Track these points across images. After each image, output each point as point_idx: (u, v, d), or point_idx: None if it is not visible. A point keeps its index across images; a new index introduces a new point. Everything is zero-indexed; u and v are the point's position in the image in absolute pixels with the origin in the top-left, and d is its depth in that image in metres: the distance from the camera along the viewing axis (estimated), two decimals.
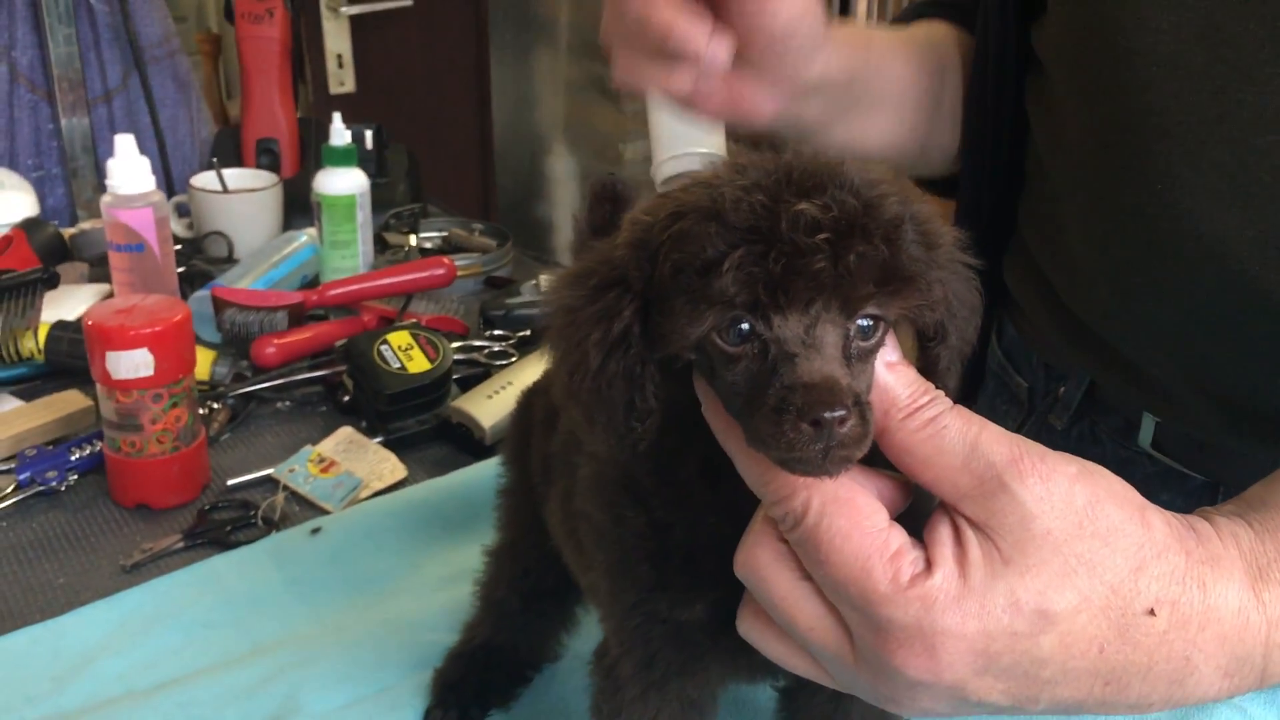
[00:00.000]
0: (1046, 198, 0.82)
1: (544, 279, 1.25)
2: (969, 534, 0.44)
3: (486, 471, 0.95)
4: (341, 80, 2.63)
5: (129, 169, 1.11)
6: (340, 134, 1.29)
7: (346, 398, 1.07)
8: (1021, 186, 0.86)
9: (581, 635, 0.73)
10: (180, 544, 0.89)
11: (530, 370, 1.05)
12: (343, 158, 1.28)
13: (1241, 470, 0.78)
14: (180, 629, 0.79)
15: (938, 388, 0.46)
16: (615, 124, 3.03)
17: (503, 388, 1.03)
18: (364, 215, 1.30)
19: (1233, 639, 0.45)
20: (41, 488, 0.94)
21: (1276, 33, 0.62)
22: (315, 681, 0.73)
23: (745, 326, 0.43)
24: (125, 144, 1.11)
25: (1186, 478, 0.77)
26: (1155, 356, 0.73)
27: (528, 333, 1.19)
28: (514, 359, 1.14)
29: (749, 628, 0.49)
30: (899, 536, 0.44)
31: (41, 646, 0.77)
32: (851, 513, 0.44)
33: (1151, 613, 0.44)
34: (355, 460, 0.98)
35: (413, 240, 1.37)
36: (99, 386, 0.91)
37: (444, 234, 1.44)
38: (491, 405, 1.01)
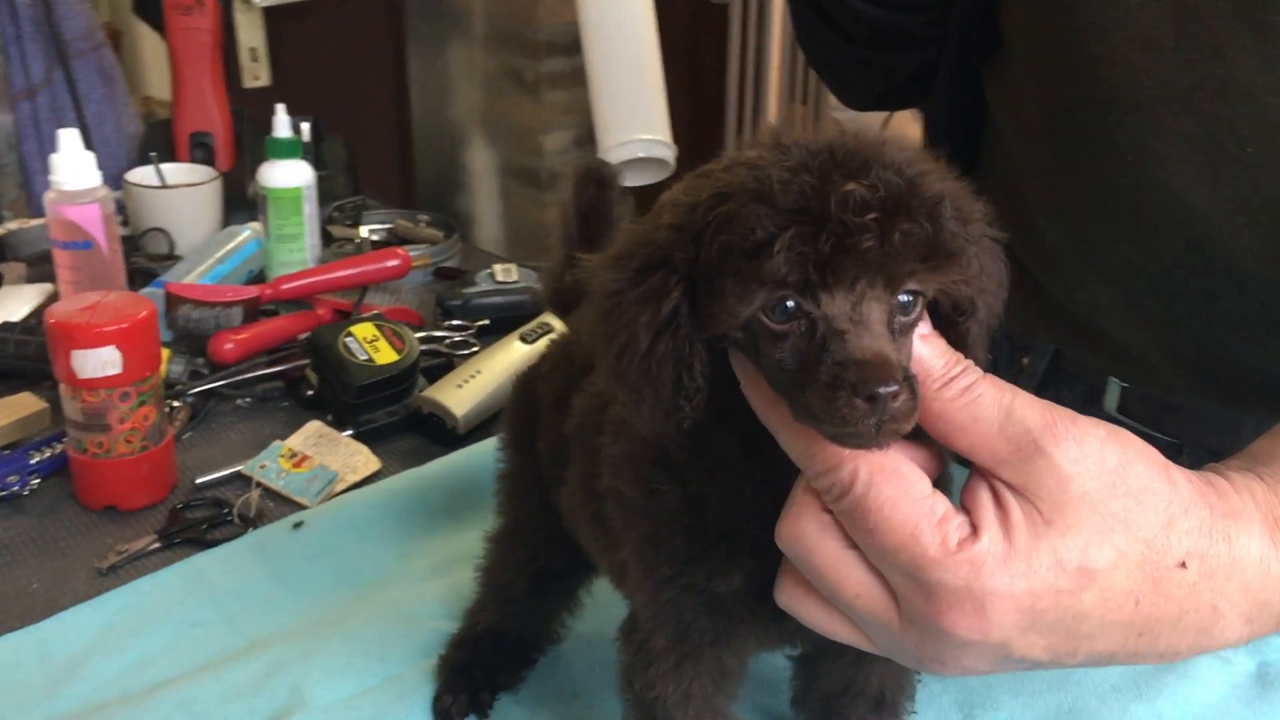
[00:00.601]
0: (1008, 174, 0.84)
1: (499, 269, 1.25)
2: (1009, 498, 0.46)
3: (465, 460, 0.95)
4: (256, 74, 2.58)
5: (74, 164, 1.08)
6: (284, 125, 1.27)
7: (310, 392, 1.06)
8: (976, 166, 0.89)
9: (584, 617, 0.74)
10: (156, 544, 0.87)
11: (498, 357, 1.05)
12: (287, 150, 1.27)
13: (1205, 430, 0.82)
14: (170, 629, 0.78)
15: (968, 359, 0.48)
16: (534, 115, 3.03)
17: (472, 376, 1.03)
18: (311, 208, 1.28)
19: (1255, 587, 0.47)
20: (3, 493, 0.92)
21: (1243, 6, 0.65)
22: (319, 674, 0.72)
23: (791, 304, 0.44)
24: (69, 138, 1.09)
25: (1151, 439, 0.80)
26: (1124, 324, 0.77)
27: (486, 322, 1.19)
28: (476, 348, 1.14)
29: (789, 597, 0.50)
30: (943, 503, 0.46)
31: (27, 653, 0.76)
32: (898, 481, 0.46)
33: (1183, 565, 0.46)
34: (327, 454, 0.97)
35: (364, 231, 1.36)
36: (62, 387, 0.89)
37: (389, 226, 1.43)
38: (462, 394, 1.01)
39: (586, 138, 3.13)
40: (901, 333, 0.45)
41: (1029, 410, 0.46)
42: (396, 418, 1.03)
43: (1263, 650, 0.74)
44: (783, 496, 0.49)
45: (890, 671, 0.61)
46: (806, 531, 0.48)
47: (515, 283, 1.23)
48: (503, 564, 0.72)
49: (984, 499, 0.46)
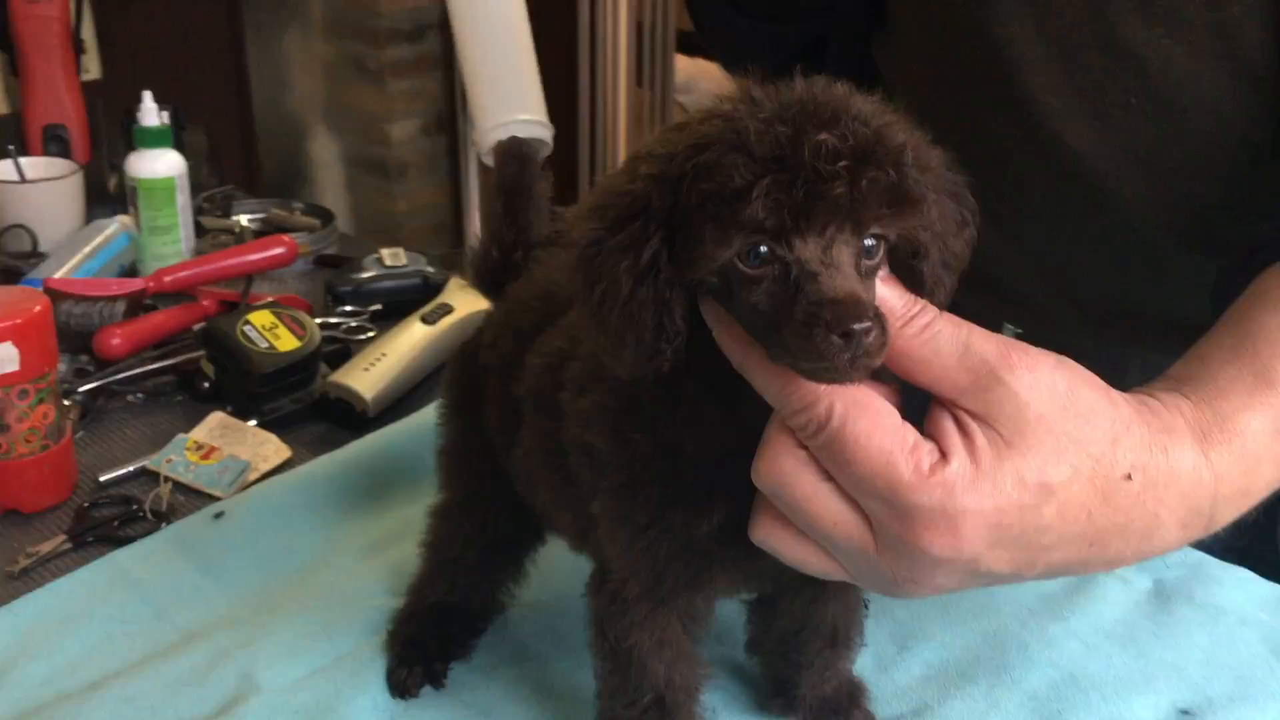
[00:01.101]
0: None
1: (386, 253, 1.24)
2: (972, 425, 0.49)
3: (383, 441, 0.95)
4: (87, 67, 2.47)
5: None
6: (151, 114, 1.23)
7: (206, 384, 1.04)
8: None
9: (528, 585, 0.75)
10: (68, 545, 0.84)
11: (401, 339, 1.05)
12: (157, 139, 1.23)
13: (1095, 371, 0.89)
14: (97, 627, 0.75)
15: (928, 300, 0.51)
16: (379, 104, 2.98)
17: (378, 359, 1.02)
18: (184, 198, 1.25)
19: (1189, 494, 0.52)
20: None
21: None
22: (266, 659, 0.71)
23: (764, 250, 0.46)
24: None
25: None
26: (1021, 273, 0.82)
27: (379, 306, 1.18)
28: (373, 332, 1.13)
29: (766, 533, 0.53)
30: (913, 433, 0.49)
31: None
32: (872, 414, 0.49)
33: (1128, 478, 0.50)
34: (235, 444, 0.95)
35: (244, 220, 1.33)
36: None
37: (263, 215, 1.40)
38: (370, 377, 1.01)
39: (435, 125, 3.11)
40: (867, 275, 0.48)
41: (985, 343, 0.50)
42: (301, 405, 1.02)
43: (1157, 570, 0.80)
44: (754, 440, 0.52)
45: (842, 607, 0.64)
46: (784, 467, 0.51)
47: (404, 266, 1.22)
48: (451, 536, 0.72)
49: (949, 427, 0.50)
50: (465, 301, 1.12)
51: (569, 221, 0.51)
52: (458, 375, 0.73)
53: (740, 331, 0.50)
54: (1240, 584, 0.79)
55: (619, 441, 0.55)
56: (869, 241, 0.48)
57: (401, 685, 0.70)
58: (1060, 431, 0.49)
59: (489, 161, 1.41)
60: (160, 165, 1.22)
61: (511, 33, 1.43)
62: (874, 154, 0.46)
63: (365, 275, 1.20)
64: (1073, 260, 0.78)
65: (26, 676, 0.72)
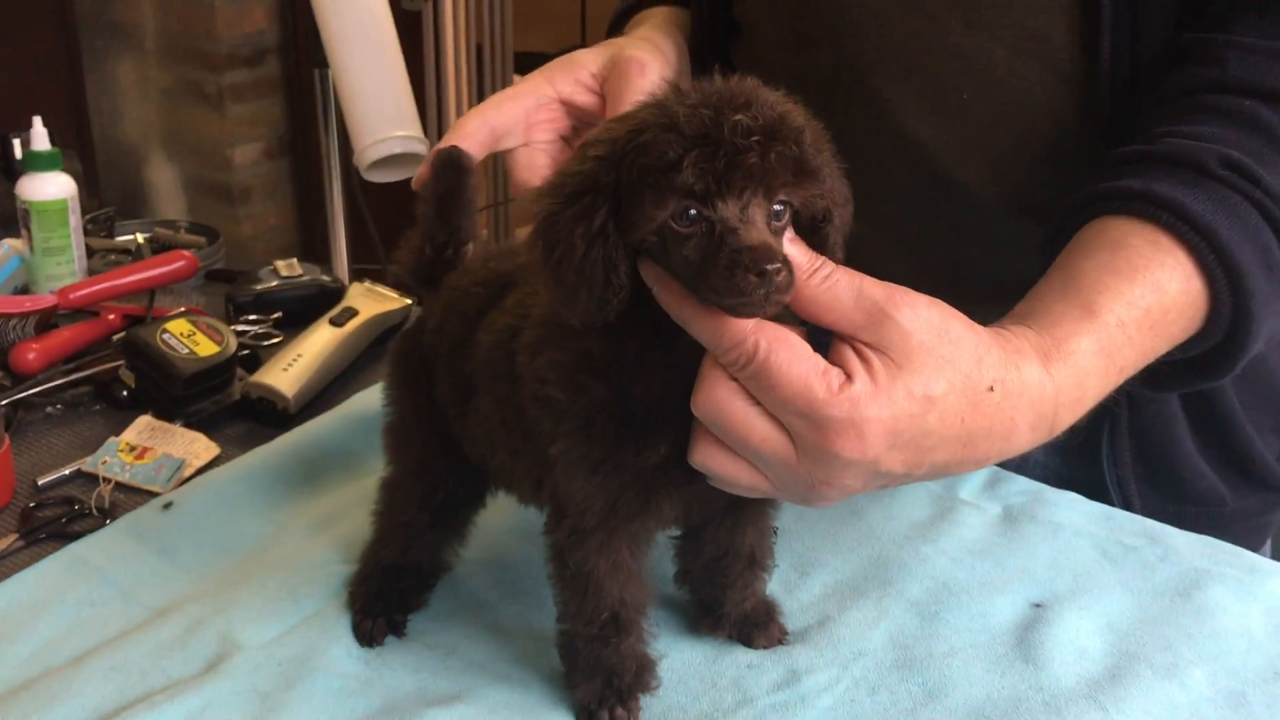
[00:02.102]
0: None
1: (281, 264, 1.31)
2: (868, 353, 0.61)
3: (311, 432, 1.02)
4: None
5: None
6: (42, 138, 1.27)
7: (125, 392, 1.08)
8: None
9: (471, 545, 0.84)
10: (20, 543, 0.89)
11: (313, 340, 1.12)
12: (48, 162, 1.26)
13: None
14: (69, 610, 0.81)
15: (828, 258, 0.63)
16: (220, 129, 2.98)
17: (295, 360, 1.09)
18: (76, 220, 1.28)
19: (1037, 402, 0.65)
20: None
21: None
22: (241, 621, 0.78)
23: (693, 212, 0.57)
24: None
25: None
26: (875, 251, 0.95)
27: (280, 314, 1.25)
28: (279, 338, 1.20)
29: (704, 456, 0.63)
30: (822, 360, 0.61)
31: None
32: (790, 347, 0.60)
33: (991, 389, 0.63)
34: (166, 444, 1.01)
35: (140, 239, 1.36)
36: None
37: (148, 235, 1.44)
38: (289, 376, 1.07)
39: (277, 149, 3.12)
40: (776, 233, 0.60)
41: (874, 288, 0.62)
42: (221, 406, 1.08)
43: (1005, 497, 0.94)
44: (690, 380, 0.62)
45: (757, 534, 0.76)
46: (718, 396, 0.61)
47: (301, 276, 1.29)
48: (404, 502, 0.80)
49: (850, 356, 0.61)
50: (367, 305, 1.19)
51: (531, 199, 0.61)
52: (403, 360, 0.81)
53: (676, 285, 0.60)
54: (1072, 505, 0.93)
55: (575, 390, 0.64)
56: (777, 206, 0.59)
57: (368, 635, 0.78)
58: (937, 355, 0.61)
59: (369, 177, 1.49)
60: (52, 188, 1.26)
61: (385, 54, 1.50)
62: (779, 132, 0.58)
63: (265, 285, 1.26)
64: (923, 233, 0.92)
65: (11, 655, 0.77)
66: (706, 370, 0.62)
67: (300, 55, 3.03)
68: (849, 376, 0.60)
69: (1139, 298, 0.69)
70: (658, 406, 0.64)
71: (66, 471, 0.98)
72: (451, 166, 0.81)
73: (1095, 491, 0.96)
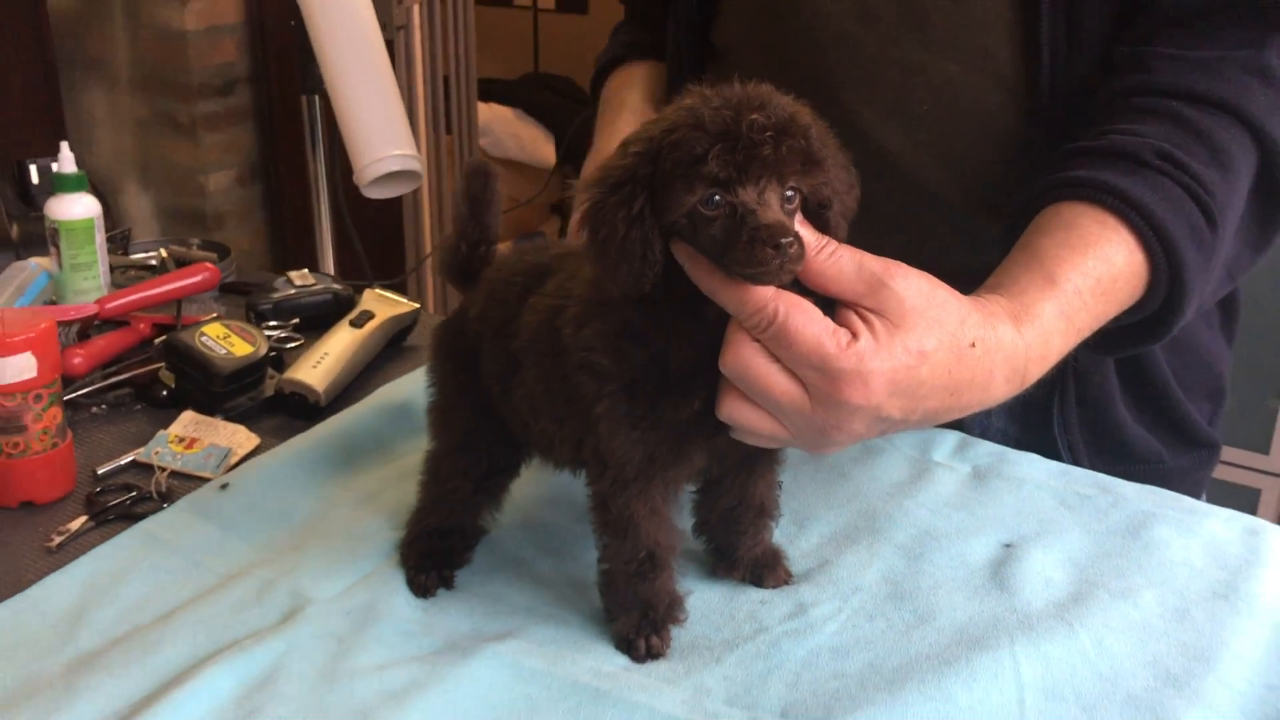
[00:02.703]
0: None
1: (294, 275, 1.40)
2: (870, 316, 0.72)
3: (348, 420, 1.11)
4: None
5: None
6: (69, 161, 1.35)
7: (165, 392, 1.17)
8: None
9: (506, 511, 0.94)
10: (90, 524, 0.97)
11: (337, 340, 1.22)
12: (75, 184, 1.35)
13: None
14: (147, 577, 0.89)
15: (831, 237, 0.74)
16: (194, 157, 3.05)
17: (322, 358, 1.18)
18: (100, 237, 1.37)
19: (1011, 357, 0.76)
20: None
21: (905, 12, 0.97)
22: (308, 580, 0.88)
23: (718, 197, 0.68)
24: None
25: None
26: (854, 244, 1.07)
27: (298, 320, 1.34)
28: (301, 341, 1.29)
29: (731, 409, 0.74)
30: (832, 322, 0.72)
31: (25, 615, 0.85)
32: (804, 310, 0.71)
33: (973, 346, 0.74)
34: (211, 435, 1.10)
35: (164, 253, 1.45)
36: None
37: (162, 252, 1.53)
38: (319, 373, 1.17)
39: (249, 176, 3.20)
40: (788, 215, 0.71)
41: (873, 262, 0.73)
42: (255, 401, 1.17)
43: (973, 458, 1.06)
44: (717, 344, 0.73)
45: (766, 486, 0.86)
46: (743, 355, 0.72)
47: (314, 285, 1.38)
48: (450, 472, 0.90)
49: (854, 319, 0.72)
50: (381, 308, 1.29)
51: (577, 190, 0.72)
52: (446, 346, 0.91)
53: (705, 261, 0.71)
54: (1031, 463, 1.05)
55: (618, 356, 0.75)
56: (789, 192, 0.71)
57: (423, 587, 0.87)
58: (928, 317, 0.73)
59: (369, 193, 1.59)
60: (78, 208, 1.34)
61: (380, 78, 1.60)
62: (790, 128, 0.69)
63: (284, 294, 1.35)
64: (895, 232, 1.04)
65: (101, 617, 0.85)
66: (732, 333, 0.73)
67: (271, 84, 3.12)
68: (854, 335, 0.71)
69: (1091, 269, 0.81)
70: (690, 367, 0.75)
71: (123, 461, 1.06)
72: (481, 174, 0.91)
73: (1048, 454, 1.07)
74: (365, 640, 0.81)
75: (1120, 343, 0.89)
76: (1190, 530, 0.95)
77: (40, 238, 1.45)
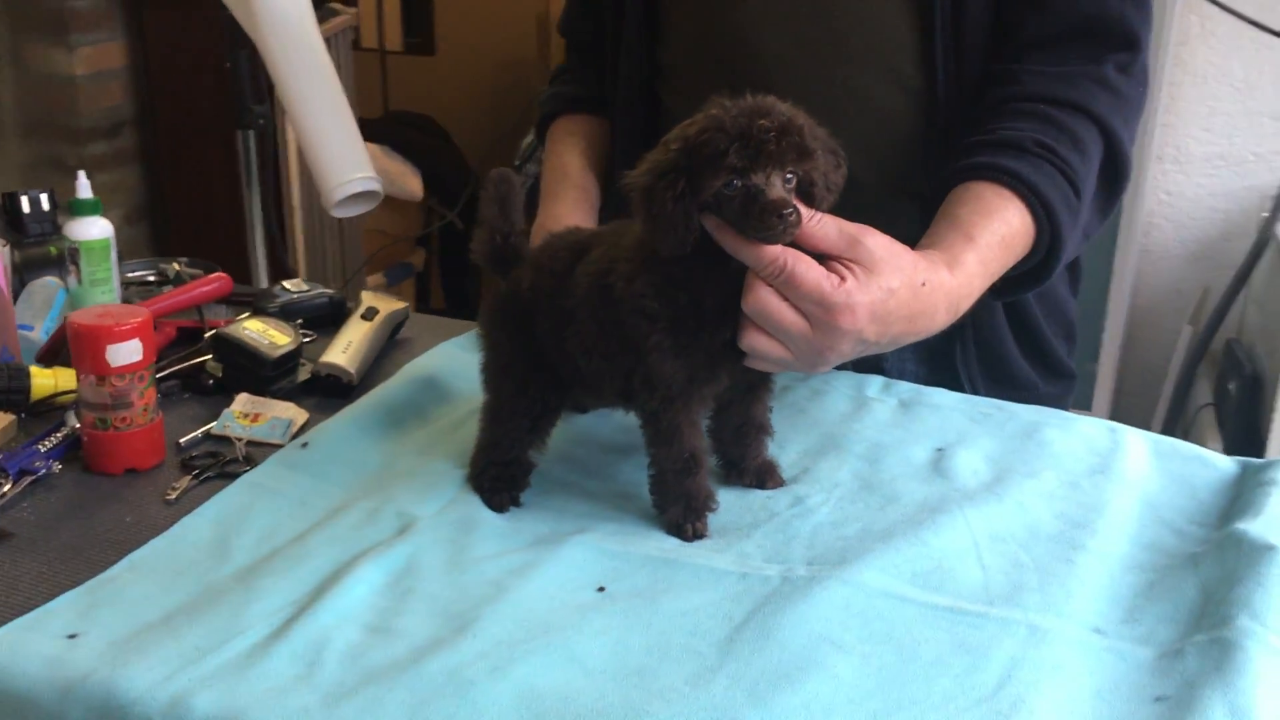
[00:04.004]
0: None
1: (287, 283, 1.58)
2: (851, 264, 0.99)
3: (385, 394, 1.31)
4: None
5: None
6: (85, 188, 1.52)
7: (211, 381, 1.35)
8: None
9: (549, 449, 1.16)
10: (195, 482, 1.15)
11: (353, 330, 1.41)
12: (92, 208, 1.51)
13: None
14: (265, 516, 1.08)
15: (818, 208, 1.00)
16: None
17: (347, 345, 1.38)
18: (114, 255, 1.53)
19: (950, 294, 1.04)
20: (33, 476, 1.14)
21: (832, 38, 1.25)
22: (408, 504, 1.08)
23: (737, 182, 0.94)
24: None
25: None
26: None
27: (300, 321, 1.52)
28: (314, 337, 1.48)
29: (751, 339, 0.99)
30: (825, 269, 0.98)
31: (179, 545, 1.03)
32: (805, 261, 0.97)
33: (924, 285, 1.02)
34: (269, 411, 1.28)
35: (177, 265, 1.61)
36: (89, 378, 1.14)
37: (152, 271, 1.68)
38: (348, 356, 1.37)
39: (136, 215, 3.29)
40: (788, 193, 0.96)
41: (849, 226, 0.99)
42: (293, 384, 1.36)
43: (898, 393, 1.34)
44: (738, 290, 0.98)
45: (763, 409, 1.11)
46: (760, 296, 0.97)
47: (309, 290, 1.57)
48: (511, 413, 1.12)
49: (839, 267, 0.98)
50: (382, 305, 1.50)
51: (632, 179, 0.97)
52: (501, 314, 1.13)
53: (729, 228, 0.96)
54: (943, 395, 1.34)
55: (666, 300, 0.99)
56: (788, 176, 0.97)
57: (500, 504, 1.09)
58: (891, 264, 1.00)
59: (336, 213, 1.78)
60: (95, 229, 1.50)
61: (339, 108, 1.80)
62: (788, 129, 0.95)
63: (287, 298, 1.54)
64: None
65: (241, 544, 1.04)
66: (750, 281, 0.98)
67: (157, 125, 3.23)
68: (842, 279, 0.98)
69: (997, 229, 1.10)
70: (719, 308, 1.00)
71: (198, 434, 1.24)
72: (505, 180, 1.14)
73: (952, 388, 1.37)
74: (473, 540, 1.03)
75: (1013, 288, 1.19)
76: (1069, 431, 1.25)
77: (39, 261, 1.60)
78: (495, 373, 1.15)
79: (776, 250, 0.96)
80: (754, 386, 1.10)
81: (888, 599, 0.94)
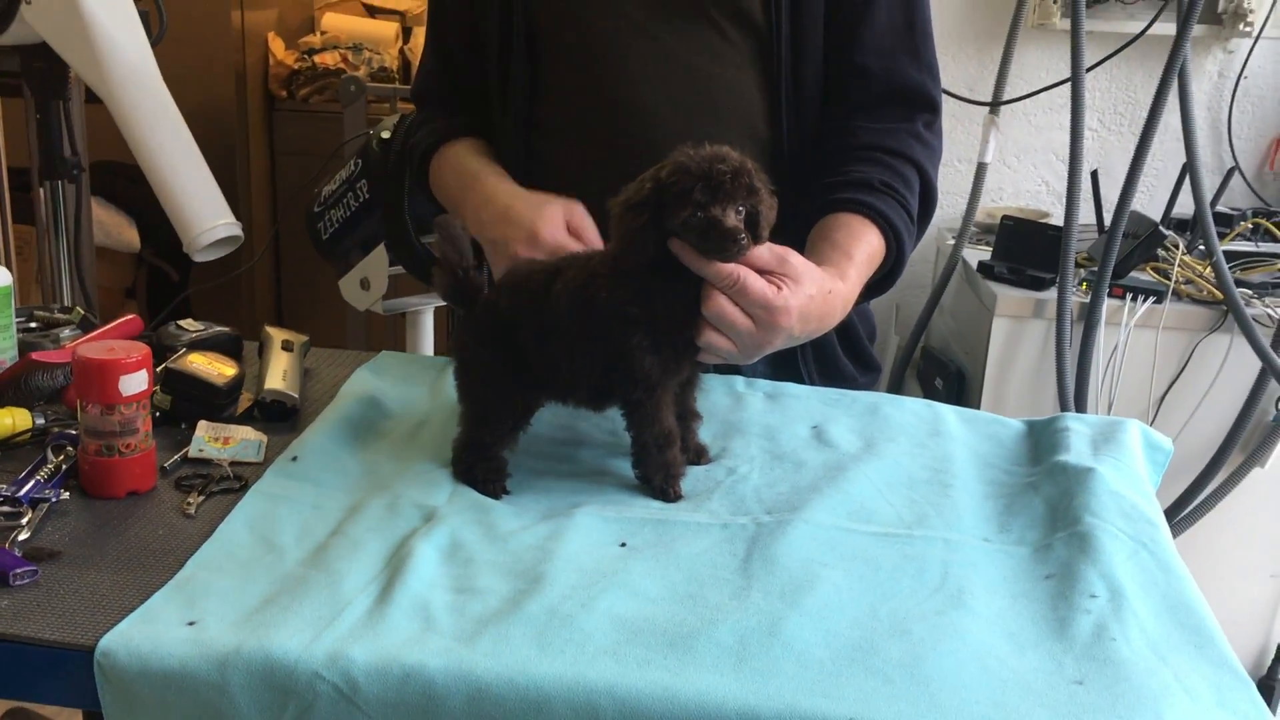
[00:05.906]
0: (555, 173, 1.63)
1: (182, 323, 1.67)
2: (783, 277, 1.27)
3: (337, 413, 1.45)
4: None
5: None
6: None
7: (157, 413, 1.44)
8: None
9: (521, 448, 1.36)
10: (203, 498, 1.26)
11: (284, 360, 1.54)
12: None
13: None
14: (294, 518, 1.21)
15: (758, 238, 1.28)
16: None
17: (283, 373, 1.51)
18: (13, 304, 1.56)
19: (844, 299, 1.36)
20: (48, 504, 1.21)
21: (700, 101, 1.54)
22: (418, 497, 1.25)
23: (700, 214, 1.21)
24: None
25: None
26: None
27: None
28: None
29: (708, 336, 1.25)
30: (769, 282, 1.26)
31: (232, 545, 1.15)
32: (752, 275, 1.24)
33: (830, 292, 1.32)
34: (233, 434, 1.40)
35: (80, 310, 1.64)
36: (96, 407, 1.23)
37: (27, 315, 1.71)
38: (288, 384, 1.49)
39: None
40: (739, 222, 1.24)
41: (777, 248, 1.28)
42: (239, 410, 1.47)
43: (762, 389, 1.63)
44: (698, 299, 1.25)
45: (693, 399, 1.38)
46: (718, 302, 1.24)
47: (206, 329, 1.66)
48: (496, 415, 1.31)
49: (775, 279, 1.27)
50: (292, 337, 1.63)
51: (612, 209, 1.21)
52: (480, 330, 1.32)
53: (692, 250, 1.22)
54: (795, 388, 1.65)
55: (645, 306, 1.24)
56: (740, 209, 1.24)
57: (493, 491, 1.29)
58: (810, 275, 1.29)
59: (198, 258, 1.88)
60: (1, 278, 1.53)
61: (194, 161, 1.89)
62: (740, 171, 1.22)
63: (191, 336, 1.62)
64: None
65: (284, 543, 1.17)
66: (708, 291, 1.24)
67: None
68: (779, 288, 1.26)
69: (865, 249, 1.43)
70: (685, 313, 1.25)
71: (177, 458, 1.34)
72: (449, 224, 1.33)
73: (796, 383, 1.68)
74: (494, 519, 1.22)
75: (868, 294, 1.52)
76: (900, 408, 1.59)
77: None
78: (476, 382, 1.34)
79: (730, 266, 1.23)
80: (689, 380, 1.36)
81: (840, 531, 1.23)
